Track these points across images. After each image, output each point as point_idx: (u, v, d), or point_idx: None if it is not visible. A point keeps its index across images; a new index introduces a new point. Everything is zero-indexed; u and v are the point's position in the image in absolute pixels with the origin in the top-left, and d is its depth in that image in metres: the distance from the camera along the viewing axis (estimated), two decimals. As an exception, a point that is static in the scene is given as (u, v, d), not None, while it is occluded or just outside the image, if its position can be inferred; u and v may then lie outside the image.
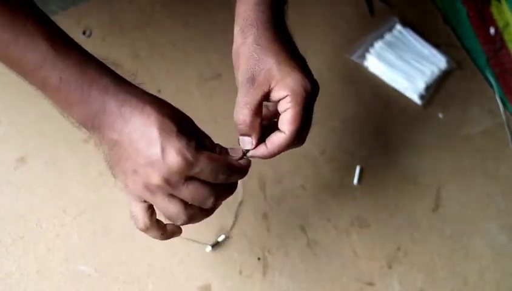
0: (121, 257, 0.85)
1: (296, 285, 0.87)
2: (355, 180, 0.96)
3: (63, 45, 0.60)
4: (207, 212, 0.66)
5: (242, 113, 0.65)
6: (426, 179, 0.98)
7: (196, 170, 0.60)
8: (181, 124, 0.60)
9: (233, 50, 0.70)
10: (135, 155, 0.60)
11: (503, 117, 1.06)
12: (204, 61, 1.03)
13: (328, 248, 0.90)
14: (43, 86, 0.61)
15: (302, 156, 0.96)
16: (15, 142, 0.91)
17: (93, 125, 0.61)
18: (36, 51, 0.59)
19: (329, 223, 0.92)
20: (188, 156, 0.59)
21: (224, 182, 0.64)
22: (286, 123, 0.66)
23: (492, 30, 1.16)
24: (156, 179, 0.59)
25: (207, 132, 0.87)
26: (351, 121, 1.02)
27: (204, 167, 0.60)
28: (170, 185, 0.60)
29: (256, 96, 0.65)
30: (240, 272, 0.87)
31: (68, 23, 1.01)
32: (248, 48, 0.67)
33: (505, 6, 1.17)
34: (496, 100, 1.08)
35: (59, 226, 0.86)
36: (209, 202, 0.63)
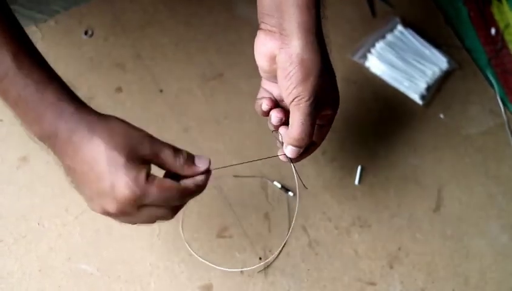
0: (122, 257, 0.85)
1: (297, 285, 0.87)
2: (356, 181, 0.96)
3: (27, 61, 0.60)
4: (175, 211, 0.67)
5: (308, 132, 0.67)
6: (427, 179, 0.98)
7: (146, 202, 0.61)
8: (130, 153, 0.60)
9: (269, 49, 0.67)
10: (89, 184, 0.61)
11: (504, 117, 1.06)
12: (206, 61, 1.03)
13: (329, 248, 0.90)
14: (4, 98, 0.61)
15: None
16: (17, 142, 0.91)
17: (48, 145, 0.62)
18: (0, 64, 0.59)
19: (330, 223, 0.92)
20: (136, 189, 0.59)
21: (179, 204, 0.65)
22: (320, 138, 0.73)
23: (493, 30, 1.16)
24: (110, 207, 0.61)
25: (208, 132, 0.88)
26: (352, 121, 1.02)
27: (154, 197, 0.61)
28: (124, 214, 0.62)
29: (316, 117, 0.67)
30: (241, 272, 0.87)
31: (70, 23, 1.02)
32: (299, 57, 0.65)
33: (505, 6, 1.17)
34: (497, 100, 1.08)
35: (61, 225, 0.87)
36: (168, 218, 0.66)
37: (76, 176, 0.62)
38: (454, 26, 1.16)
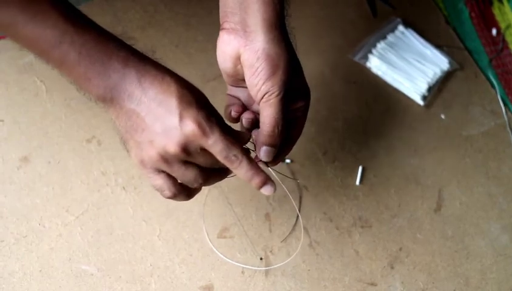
0: (123, 257, 0.86)
1: (298, 286, 0.87)
2: (357, 181, 0.96)
3: (80, 21, 0.61)
4: (220, 175, 0.68)
5: (281, 127, 0.67)
6: (428, 179, 0.98)
7: (209, 142, 0.60)
8: (199, 100, 0.61)
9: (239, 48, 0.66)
10: (152, 124, 0.61)
11: (505, 117, 1.06)
12: (206, 62, 1.03)
13: (330, 249, 0.90)
14: (61, 64, 0.62)
15: (304, 156, 0.97)
16: (18, 142, 0.91)
17: (111, 97, 0.62)
18: (54, 28, 0.60)
19: (331, 223, 0.92)
20: (205, 125, 0.60)
21: (230, 162, 0.63)
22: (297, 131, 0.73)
23: (494, 31, 1.16)
24: (172, 147, 0.60)
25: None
26: (353, 122, 1.02)
27: (217, 140, 0.60)
28: (185, 153, 0.61)
29: (287, 111, 0.68)
30: (242, 272, 0.87)
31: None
32: (265, 53, 0.65)
33: (507, 7, 1.17)
34: (498, 101, 1.08)
35: (62, 225, 0.87)
36: (195, 184, 0.66)
37: (138, 120, 0.62)
38: (455, 26, 1.16)
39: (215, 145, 0.61)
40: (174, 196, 0.66)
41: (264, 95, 0.65)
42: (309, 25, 1.11)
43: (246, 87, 0.70)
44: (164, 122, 0.60)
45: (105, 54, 0.61)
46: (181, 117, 0.60)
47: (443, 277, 0.90)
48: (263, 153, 0.68)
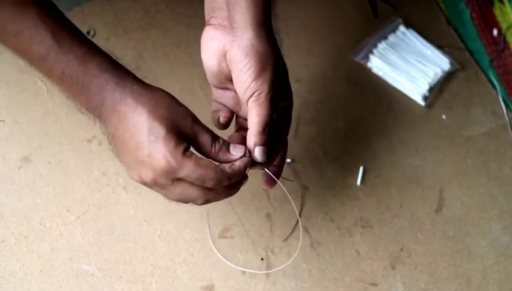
0: (124, 257, 0.86)
1: (299, 286, 0.87)
2: (358, 181, 0.96)
3: (67, 38, 0.62)
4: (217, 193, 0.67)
5: (270, 126, 0.66)
6: (429, 179, 0.98)
7: (181, 175, 0.61)
8: (172, 126, 0.61)
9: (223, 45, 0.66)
10: (128, 152, 0.63)
11: (506, 118, 1.06)
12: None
13: (331, 249, 0.90)
14: (48, 76, 0.64)
15: (305, 156, 0.96)
16: (19, 141, 0.92)
17: (95, 115, 0.64)
18: (40, 44, 0.61)
19: (332, 223, 0.92)
20: (172, 161, 0.60)
21: (215, 187, 0.64)
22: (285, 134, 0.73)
23: (495, 32, 1.16)
24: (147, 177, 0.62)
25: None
26: (354, 122, 1.02)
27: (189, 172, 0.61)
28: (158, 185, 0.63)
29: (274, 111, 0.67)
30: (243, 272, 0.87)
31: (72, 24, 1.02)
32: (253, 52, 0.64)
33: (508, 7, 1.17)
34: (499, 101, 1.08)
35: (62, 225, 0.87)
36: (198, 201, 0.65)
37: (118, 143, 0.64)
38: (456, 27, 1.16)
39: (188, 177, 0.61)
40: (199, 199, 0.66)
41: (253, 93, 0.64)
42: (310, 25, 1.11)
43: (230, 89, 0.70)
44: (136, 155, 0.62)
45: (86, 76, 0.62)
46: (149, 153, 0.60)
47: (444, 277, 0.90)
48: (257, 153, 0.66)
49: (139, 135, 0.61)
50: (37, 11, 0.61)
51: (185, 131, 0.62)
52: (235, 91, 0.68)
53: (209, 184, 0.63)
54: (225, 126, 0.72)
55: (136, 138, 0.61)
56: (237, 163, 0.65)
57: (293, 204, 0.88)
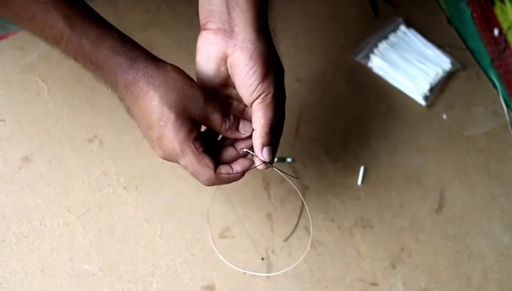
0: (125, 257, 0.86)
1: (299, 285, 0.87)
2: (359, 181, 0.96)
3: (79, 21, 0.63)
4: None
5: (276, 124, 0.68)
6: (429, 179, 0.98)
7: (181, 163, 0.66)
8: (181, 111, 0.63)
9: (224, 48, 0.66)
10: (143, 128, 0.66)
11: (507, 118, 1.06)
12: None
13: (332, 249, 0.90)
14: (66, 55, 0.65)
15: (306, 156, 0.96)
16: (20, 141, 0.92)
17: (111, 89, 0.66)
18: (53, 28, 0.62)
19: (333, 223, 0.92)
20: (177, 149, 0.64)
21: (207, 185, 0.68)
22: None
23: (496, 31, 1.16)
24: (159, 153, 0.67)
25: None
26: (355, 122, 1.02)
27: (188, 165, 0.65)
28: (170, 160, 0.67)
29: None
30: (244, 272, 0.87)
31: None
32: (255, 55, 0.65)
33: (509, 7, 1.17)
34: (500, 101, 1.08)
35: (63, 225, 0.87)
36: (203, 182, 0.68)
37: (134, 118, 0.67)
38: (457, 27, 1.16)
39: (186, 168, 0.66)
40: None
41: (259, 95, 0.65)
42: (311, 24, 1.11)
43: (222, 95, 0.70)
44: (149, 134, 0.65)
45: (99, 59, 0.63)
46: (159, 137, 0.64)
47: (445, 277, 0.90)
48: (265, 154, 0.67)
49: (150, 118, 0.63)
50: None
51: (195, 114, 0.64)
52: (225, 97, 0.70)
53: (202, 181, 0.67)
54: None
55: (148, 120, 0.64)
56: (235, 168, 0.68)
57: (302, 199, 0.88)
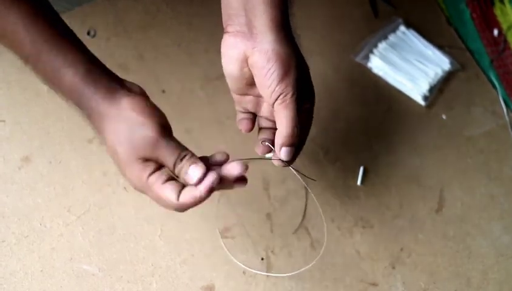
0: (125, 257, 0.86)
1: (299, 286, 0.87)
2: (359, 181, 0.96)
3: (46, 48, 0.61)
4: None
5: (298, 127, 0.67)
6: (429, 179, 0.98)
7: (148, 194, 0.64)
8: (133, 154, 0.62)
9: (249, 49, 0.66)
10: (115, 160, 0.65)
11: (507, 118, 1.06)
12: (208, 62, 1.03)
13: (331, 249, 0.90)
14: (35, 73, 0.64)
15: (306, 156, 0.96)
16: (20, 142, 0.91)
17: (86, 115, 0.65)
18: (21, 49, 0.62)
19: (333, 223, 0.92)
20: (140, 185, 0.63)
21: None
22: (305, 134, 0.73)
23: (495, 32, 1.16)
24: (131, 184, 0.65)
25: (211, 132, 0.89)
26: (355, 122, 1.02)
27: (153, 196, 0.64)
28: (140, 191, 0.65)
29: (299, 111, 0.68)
30: (244, 272, 0.87)
31: (73, 24, 1.00)
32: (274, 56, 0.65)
33: (508, 8, 1.17)
34: (499, 101, 1.08)
35: (63, 225, 0.87)
36: (171, 208, 0.66)
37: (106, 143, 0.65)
38: (457, 27, 1.16)
39: (153, 199, 0.65)
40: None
41: (278, 96, 0.64)
42: (310, 25, 1.11)
43: (252, 95, 0.70)
44: (119, 167, 0.64)
45: (60, 87, 0.63)
46: (126, 173, 0.64)
47: (445, 277, 0.90)
48: (284, 154, 0.67)
49: (116, 155, 0.63)
50: (19, 12, 0.60)
51: (147, 156, 0.62)
52: (255, 96, 0.70)
53: (170, 208, 0.65)
54: (250, 130, 0.74)
55: (116, 157, 0.63)
56: (200, 188, 0.62)
57: (314, 198, 0.88)
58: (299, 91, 0.65)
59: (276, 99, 0.65)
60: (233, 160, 0.65)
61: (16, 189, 0.88)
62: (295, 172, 0.74)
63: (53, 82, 0.62)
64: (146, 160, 0.62)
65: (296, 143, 0.68)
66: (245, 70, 0.67)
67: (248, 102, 0.72)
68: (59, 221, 0.87)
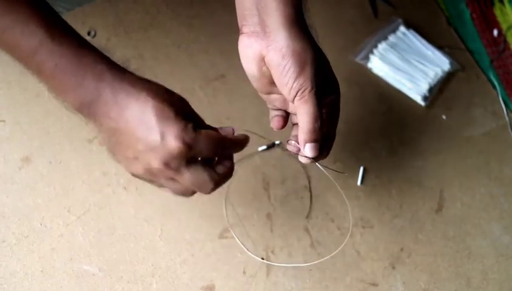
0: (125, 257, 0.86)
1: (299, 286, 0.87)
2: (359, 181, 0.96)
3: (59, 31, 0.60)
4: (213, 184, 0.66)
5: (320, 122, 0.66)
6: (429, 180, 0.98)
7: (196, 150, 0.61)
8: (177, 108, 0.61)
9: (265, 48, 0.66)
10: (135, 143, 0.60)
11: (507, 118, 1.06)
12: (208, 62, 1.03)
13: (331, 249, 0.90)
14: (38, 72, 0.62)
15: (306, 156, 0.97)
16: (20, 142, 0.92)
17: (88, 112, 0.62)
18: (31, 37, 0.59)
19: (333, 223, 0.92)
20: (187, 138, 0.59)
21: (224, 155, 0.66)
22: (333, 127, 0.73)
23: (495, 32, 1.16)
24: (157, 163, 0.60)
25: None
26: (355, 122, 1.02)
27: (203, 145, 0.61)
28: (171, 169, 0.61)
29: (321, 105, 0.67)
30: (244, 272, 0.87)
31: (73, 24, 1.01)
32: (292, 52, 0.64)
33: (508, 8, 1.17)
34: (499, 101, 1.08)
35: (63, 225, 0.87)
36: (208, 187, 0.64)
37: (120, 138, 0.62)
38: (457, 27, 1.16)
39: (202, 151, 0.62)
40: (184, 194, 0.66)
41: (297, 92, 0.64)
42: (310, 25, 1.10)
43: (277, 93, 0.70)
44: (146, 141, 0.60)
45: (80, 68, 0.60)
46: (162, 135, 0.59)
47: (445, 277, 0.90)
48: (308, 150, 0.67)
49: (147, 120, 0.59)
50: (28, 5, 0.60)
51: (188, 111, 0.63)
52: (280, 94, 0.69)
53: (220, 152, 0.64)
54: (282, 128, 0.74)
55: (145, 123, 0.59)
56: (239, 135, 0.67)
57: (343, 196, 0.88)
58: (319, 85, 0.65)
59: (296, 95, 0.64)
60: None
61: (16, 189, 0.88)
62: (322, 168, 0.75)
63: (71, 61, 0.60)
64: (188, 116, 0.62)
65: (320, 139, 0.67)
66: (264, 68, 0.66)
67: (275, 100, 0.72)
68: (59, 221, 0.87)
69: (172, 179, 0.63)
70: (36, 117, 0.94)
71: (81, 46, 0.61)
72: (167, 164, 0.60)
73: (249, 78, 0.70)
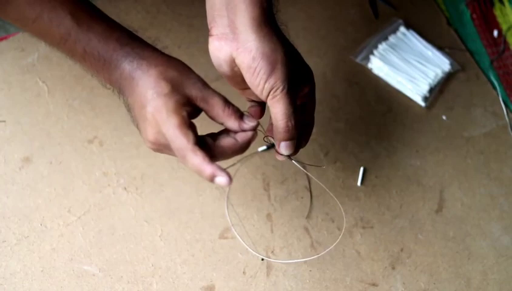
0: (125, 257, 0.86)
1: (299, 286, 0.87)
2: (359, 182, 0.96)
3: (86, 17, 0.65)
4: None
5: (294, 120, 0.67)
6: (429, 180, 0.98)
7: (163, 131, 0.62)
8: (178, 88, 0.63)
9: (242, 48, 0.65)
10: (140, 116, 0.64)
11: (507, 119, 1.06)
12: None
13: (331, 249, 0.90)
14: (71, 56, 0.67)
15: (306, 157, 0.96)
16: (20, 142, 0.92)
17: (118, 89, 0.66)
18: (60, 26, 0.64)
19: (333, 224, 0.92)
20: (161, 116, 0.61)
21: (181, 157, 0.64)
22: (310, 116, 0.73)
23: (495, 32, 1.16)
24: (150, 135, 0.63)
25: (211, 132, 0.87)
26: (355, 122, 1.02)
27: (171, 135, 0.61)
28: (161, 144, 0.64)
29: (295, 102, 0.67)
30: (244, 272, 0.87)
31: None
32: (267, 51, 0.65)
33: (508, 8, 1.17)
34: (499, 102, 1.08)
35: (63, 226, 0.87)
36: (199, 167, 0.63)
37: (134, 112, 0.65)
38: (457, 28, 1.16)
39: (169, 139, 0.62)
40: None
41: (269, 93, 0.64)
42: (310, 25, 1.11)
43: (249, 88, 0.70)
44: (143, 113, 0.63)
45: (106, 52, 0.64)
46: (152, 111, 0.61)
47: (445, 278, 0.90)
48: (283, 148, 0.68)
49: (146, 94, 0.62)
50: None
51: (193, 94, 0.64)
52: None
53: (195, 164, 0.62)
54: (259, 118, 0.73)
55: (144, 97, 0.62)
56: (241, 137, 0.66)
57: (333, 195, 0.88)
58: (292, 83, 0.65)
59: (268, 96, 0.65)
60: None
61: (17, 189, 0.88)
62: (297, 165, 0.75)
63: (97, 46, 0.64)
64: (188, 101, 0.63)
65: (295, 136, 0.68)
66: (236, 69, 0.67)
67: (250, 94, 0.72)
68: (59, 222, 0.87)
69: (169, 150, 0.64)
70: (36, 118, 0.94)
71: (107, 30, 0.65)
72: (156, 137, 0.63)
73: (223, 76, 0.70)
